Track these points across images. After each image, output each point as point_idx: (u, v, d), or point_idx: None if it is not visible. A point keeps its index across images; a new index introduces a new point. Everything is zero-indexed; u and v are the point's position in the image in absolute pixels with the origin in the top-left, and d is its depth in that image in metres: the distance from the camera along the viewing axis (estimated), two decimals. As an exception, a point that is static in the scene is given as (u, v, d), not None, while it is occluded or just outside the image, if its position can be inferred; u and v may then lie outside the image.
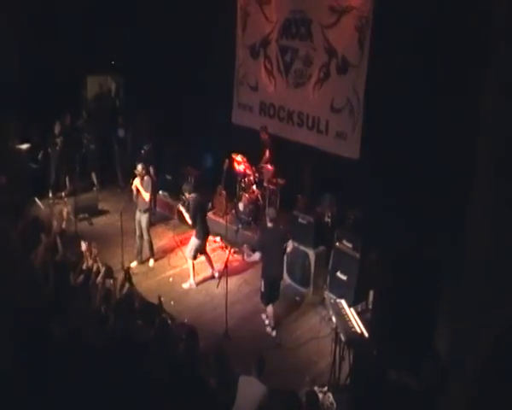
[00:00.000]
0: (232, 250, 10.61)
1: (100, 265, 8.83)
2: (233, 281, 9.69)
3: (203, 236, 9.97)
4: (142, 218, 10.57)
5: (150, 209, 10.86)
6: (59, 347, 6.76)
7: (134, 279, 8.69)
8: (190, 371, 6.75)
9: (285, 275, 9.93)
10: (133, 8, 13.88)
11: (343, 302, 7.79)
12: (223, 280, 8.97)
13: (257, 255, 8.84)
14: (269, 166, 11.65)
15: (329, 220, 10.38)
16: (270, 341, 8.45)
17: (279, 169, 11.54)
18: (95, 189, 13.76)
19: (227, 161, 11.83)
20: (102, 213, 12.71)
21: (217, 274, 10.04)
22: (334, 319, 7.59)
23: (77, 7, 13.62)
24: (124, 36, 13.84)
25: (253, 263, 10.46)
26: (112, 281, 8.75)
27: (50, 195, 13.27)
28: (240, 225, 11.48)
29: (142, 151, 12.32)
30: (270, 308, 8.80)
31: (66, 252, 9.04)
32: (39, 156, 13.63)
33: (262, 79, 12.49)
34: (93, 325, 7.31)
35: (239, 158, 11.89)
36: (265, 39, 12.23)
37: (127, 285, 8.37)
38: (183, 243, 11.10)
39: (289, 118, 11.97)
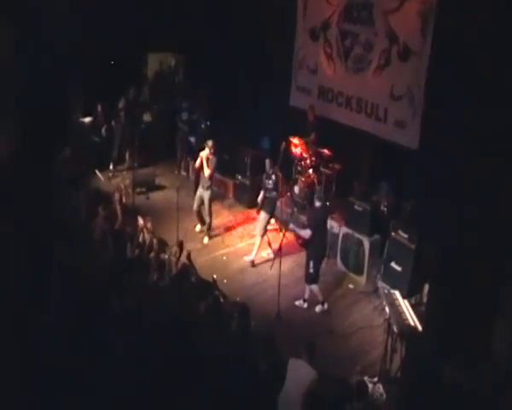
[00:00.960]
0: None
1: (155, 239, 9.03)
2: (286, 264, 9.66)
3: (272, 211, 10.14)
4: (205, 194, 10.75)
5: (211, 186, 10.97)
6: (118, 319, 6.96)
7: (188, 255, 8.81)
8: (240, 349, 6.83)
9: (338, 261, 9.90)
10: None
11: (397, 293, 7.70)
12: (276, 262, 8.98)
13: (308, 232, 8.85)
14: (326, 151, 11.55)
15: (385, 209, 10.23)
16: (321, 326, 8.43)
17: (336, 154, 11.40)
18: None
19: (284, 143, 11.76)
20: (159, 188, 12.88)
21: (271, 254, 10.11)
22: (387, 309, 7.51)
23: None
24: (185, 15, 13.90)
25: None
26: (167, 255, 8.95)
27: (111, 168, 13.55)
28: (295, 209, 11.45)
29: (203, 126, 12.40)
30: (315, 287, 8.81)
31: (125, 223, 9.26)
32: (102, 130, 13.96)
33: (321, 63, 12.33)
34: (149, 298, 7.47)
35: (296, 141, 11.80)
36: (326, 23, 12.06)
37: (183, 261, 8.53)
38: (239, 222, 11.23)
39: (348, 103, 11.80)
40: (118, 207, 9.37)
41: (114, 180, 12.85)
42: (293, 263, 10.08)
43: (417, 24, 10.11)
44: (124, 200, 10.25)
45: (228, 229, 11.34)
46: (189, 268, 8.35)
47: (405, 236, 9.15)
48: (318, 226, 8.84)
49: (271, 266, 9.31)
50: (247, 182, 12.29)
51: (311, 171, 11.63)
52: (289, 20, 12.73)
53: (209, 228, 10.97)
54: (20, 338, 6.53)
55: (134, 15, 13.59)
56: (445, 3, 9.54)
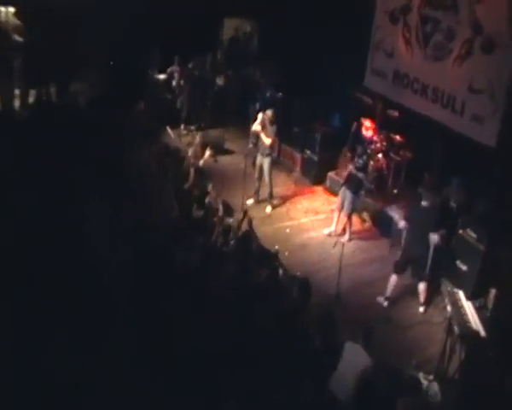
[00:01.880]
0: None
1: (221, 203, 9.07)
2: (349, 245, 9.59)
3: (357, 191, 10.08)
4: (264, 161, 10.74)
5: (271, 154, 10.91)
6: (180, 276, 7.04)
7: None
8: (297, 324, 6.82)
9: (401, 251, 9.73)
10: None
11: (461, 293, 7.49)
12: (340, 242, 8.91)
13: (403, 224, 8.69)
14: (398, 137, 11.33)
15: (455, 205, 9.96)
16: (380, 314, 8.29)
17: (408, 142, 11.18)
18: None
19: (355, 124, 11.61)
20: (228, 152, 12.89)
21: (345, 239, 10.02)
22: (449, 308, 7.32)
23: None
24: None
25: (371, 232, 10.48)
26: (231, 220, 8.99)
27: (182, 127, 13.62)
28: (362, 192, 11.30)
29: (269, 96, 12.31)
30: (393, 278, 8.65)
31: (194, 184, 9.33)
32: (175, 88, 14.04)
33: (399, 47, 11.94)
34: (211, 259, 7.52)
35: (368, 123, 11.63)
36: (407, 6, 11.61)
37: (245, 227, 8.54)
38: (304, 196, 11.21)
39: (423, 91, 11.39)
40: (191, 170, 9.43)
41: (184, 139, 12.95)
42: (356, 246, 9.97)
43: (505, 16, 9.57)
44: (197, 162, 10.32)
45: (293, 202, 11.28)
46: (251, 236, 8.37)
47: (474, 235, 8.88)
48: (416, 224, 8.53)
49: (334, 245, 9.23)
50: (316, 158, 12.16)
51: (380, 155, 11.43)
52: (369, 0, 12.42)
53: (271, 197, 10.96)
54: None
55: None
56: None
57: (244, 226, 8.68)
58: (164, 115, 13.24)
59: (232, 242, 8.16)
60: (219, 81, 14.42)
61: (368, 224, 10.69)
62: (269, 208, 10.88)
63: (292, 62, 13.54)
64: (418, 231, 8.45)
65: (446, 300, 7.57)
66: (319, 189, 11.79)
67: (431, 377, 7.06)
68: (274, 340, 6.47)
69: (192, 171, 9.44)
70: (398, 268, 8.61)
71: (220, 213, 8.84)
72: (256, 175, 10.89)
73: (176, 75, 14.10)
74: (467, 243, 8.95)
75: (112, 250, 7.12)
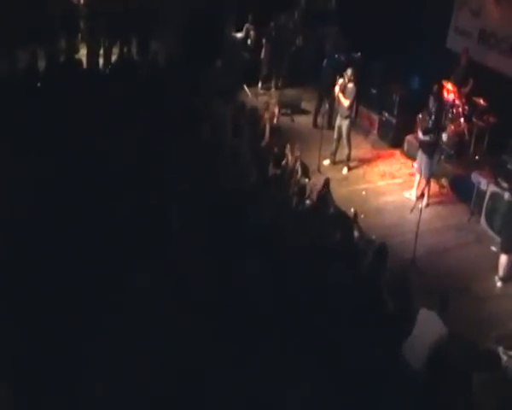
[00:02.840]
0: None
1: (298, 163, 9.04)
2: (426, 211, 9.34)
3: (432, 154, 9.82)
4: (343, 123, 10.65)
5: (350, 116, 10.80)
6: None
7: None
8: (372, 287, 6.77)
9: (482, 220, 9.41)
10: None
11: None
12: (417, 207, 8.73)
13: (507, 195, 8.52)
14: (481, 101, 10.86)
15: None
16: (458, 282, 8.08)
17: (492, 106, 10.68)
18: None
19: (436, 86, 11.21)
20: (304, 112, 12.79)
21: (413, 196, 9.84)
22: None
23: None
24: None
25: (449, 199, 10.18)
26: (306, 180, 8.96)
27: (259, 85, 13.59)
28: (442, 156, 10.97)
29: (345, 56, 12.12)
30: (503, 258, 8.28)
31: (270, 142, 9.34)
32: (252, 47, 13.99)
33: (486, 5, 11.39)
34: (286, 218, 7.54)
35: (449, 86, 11.22)
36: (497, -40, 11.07)
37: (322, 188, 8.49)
38: (381, 158, 11.04)
39: (512, 52, 10.93)
40: (267, 127, 9.44)
41: (261, 98, 12.93)
42: (434, 212, 9.72)
43: None
44: (274, 120, 10.32)
45: (370, 165, 11.12)
46: (327, 196, 8.31)
47: None
48: None
49: (411, 210, 9.03)
50: (394, 120, 11.88)
51: (462, 120, 11.03)
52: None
53: (348, 159, 10.86)
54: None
55: None
56: None
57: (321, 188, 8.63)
58: (241, 74, 13.26)
59: (308, 202, 8.13)
60: (297, 41, 14.22)
61: (447, 190, 10.38)
62: (345, 170, 10.79)
63: (371, 21, 13.18)
64: None
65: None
66: (396, 152, 11.55)
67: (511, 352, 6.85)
68: (347, 303, 6.46)
69: (267, 130, 9.42)
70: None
71: (298, 173, 8.83)
72: (335, 136, 10.82)
73: (252, 34, 14.04)
74: None
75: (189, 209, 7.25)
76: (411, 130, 11.63)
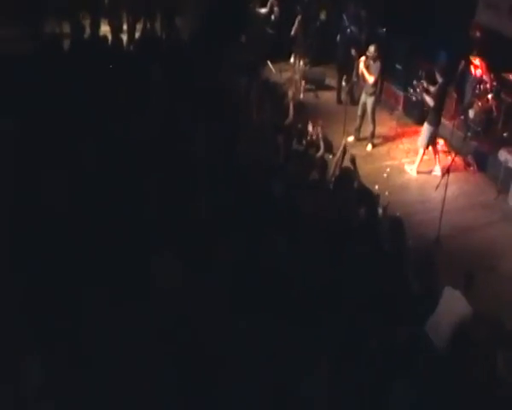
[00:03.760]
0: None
1: (322, 139, 8.98)
2: (451, 189, 9.11)
3: (437, 123, 9.77)
4: (368, 100, 10.60)
5: (375, 93, 10.71)
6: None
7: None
8: (395, 264, 6.72)
9: (510, 198, 9.26)
10: None
11: None
12: (442, 185, 8.60)
13: None
14: (511, 77, 10.62)
15: None
16: (483, 261, 7.94)
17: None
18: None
19: (463, 62, 11.01)
20: (329, 88, 12.73)
21: (438, 173, 9.74)
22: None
23: None
24: None
25: (476, 176, 10.06)
26: (330, 156, 8.89)
27: (292, 60, 13.45)
28: (468, 133, 10.80)
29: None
30: None
31: (294, 119, 9.29)
32: (276, 22, 13.85)
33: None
34: (309, 193, 7.49)
35: (477, 62, 11.00)
36: None
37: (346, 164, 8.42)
38: (406, 136, 10.93)
39: (544, 26, 10.62)
40: (291, 105, 9.38)
41: (285, 74, 12.85)
42: (459, 190, 9.61)
43: None
44: (299, 95, 10.27)
45: (394, 142, 11.04)
46: (351, 172, 8.24)
47: None
48: None
49: (436, 187, 8.93)
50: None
51: (490, 96, 10.80)
52: None
53: (373, 136, 10.82)
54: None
55: None
56: None
57: (345, 163, 8.56)
58: (265, 50, 13.16)
59: (333, 178, 8.08)
60: (322, 16, 14.03)
61: (473, 168, 10.23)
62: (369, 147, 10.76)
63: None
64: None
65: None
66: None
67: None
68: (369, 280, 6.42)
69: (291, 106, 9.36)
70: None
71: (321, 149, 8.77)
72: (359, 113, 10.78)
73: (276, 9, 13.90)
74: None
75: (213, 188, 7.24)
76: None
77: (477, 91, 10.99)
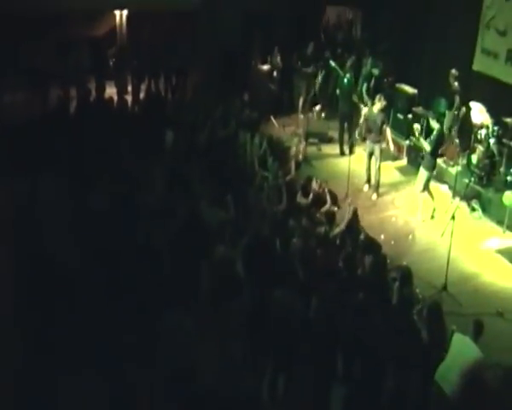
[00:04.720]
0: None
1: (327, 192, 9.06)
2: (459, 234, 9.11)
3: (432, 168, 9.90)
4: (375, 148, 10.72)
5: (381, 141, 10.85)
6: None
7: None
8: (403, 315, 6.70)
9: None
10: None
11: None
12: (448, 231, 8.61)
13: None
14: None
15: None
16: (491, 307, 7.95)
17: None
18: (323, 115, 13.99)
19: (464, 109, 11.16)
20: (331, 140, 12.86)
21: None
22: None
23: None
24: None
25: (481, 221, 10.07)
26: (335, 208, 8.95)
27: (286, 117, 13.74)
28: (471, 179, 10.87)
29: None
30: None
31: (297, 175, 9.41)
32: (278, 79, 14.19)
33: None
34: (316, 245, 7.52)
35: (478, 108, 11.14)
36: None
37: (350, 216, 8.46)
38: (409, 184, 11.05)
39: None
40: (292, 162, 9.52)
41: (288, 128, 13.04)
42: (465, 235, 9.57)
43: None
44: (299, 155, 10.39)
45: (398, 190, 11.11)
46: (356, 224, 8.30)
47: None
48: None
49: (442, 234, 8.95)
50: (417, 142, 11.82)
51: (492, 141, 10.92)
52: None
53: (378, 185, 10.86)
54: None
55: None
56: None
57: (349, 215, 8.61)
58: (268, 106, 13.41)
59: (337, 230, 8.12)
60: (320, 70, 14.35)
61: (478, 213, 10.26)
62: (374, 196, 10.81)
63: (395, 48, 13.29)
64: None
65: None
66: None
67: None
68: (379, 331, 6.40)
69: (293, 163, 9.50)
70: None
71: (328, 202, 8.84)
72: (367, 163, 10.89)
73: (278, 65, 14.23)
74: None
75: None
76: (440, 154, 11.62)
77: (478, 137, 11.13)
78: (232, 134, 10.63)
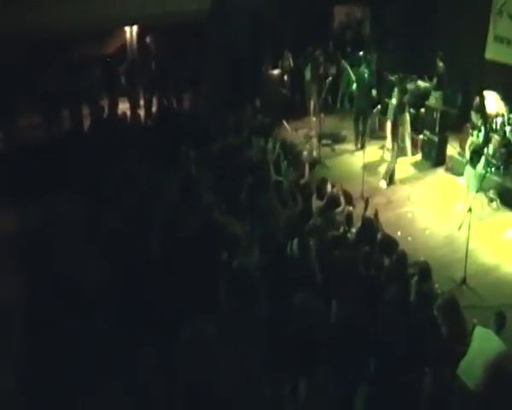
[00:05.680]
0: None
1: (341, 193, 9.05)
2: (476, 226, 9.04)
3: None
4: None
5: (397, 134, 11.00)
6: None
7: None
8: (422, 312, 6.67)
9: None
10: None
11: None
12: (465, 224, 8.55)
13: None
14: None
15: None
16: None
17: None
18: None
19: (477, 98, 11.09)
20: (344, 140, 12.89)
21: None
22: None
23: None
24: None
25: (499, 212, 10.01)
26: (351, 207, 8.93)
27: (298, 120, 13.79)
28: (488, 168, 10.78)
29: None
30: None
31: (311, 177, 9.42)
32: (289, 83, 14.22)
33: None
34: (334, 248, 7.51)
35: (491, 96, 11.06)
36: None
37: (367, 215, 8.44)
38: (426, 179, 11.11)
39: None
40: (306, 166, 9.54)
41: (301, 131, 13.07)
42: (483, 227, 9.52)
43: None
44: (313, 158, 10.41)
45: (414, 185, 11.06)
46: (373, 223, 8.26)
47: None
48: None
49: (459, 227, 8.91)
50: (436, 139, 11.78)
51: (508, 130, 10.82)
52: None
53: (392, 176, 10.99)
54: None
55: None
56: None
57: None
58: (280, 110, 13.46)
59: (354, 230, 8.10)
60: (332, 69, 14.37)
61: (496, 203, 10.18)
62: (383, 183, 10.96)
63: (406, 43, 13.25)
64: None
65: None
66: (441, 170, 11.42)
67: None
68: (399, 330, 6.39)
69: (307, 166, 9.52)
70: None
71: (342, 203, 8.83)
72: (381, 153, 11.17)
73: (289, 69, 14.27)
74: None
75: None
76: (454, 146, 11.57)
77: (494, 126, 11.05)
78: (245, 141, 10.67)
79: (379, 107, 12.83)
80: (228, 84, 13.84)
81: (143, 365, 6.19)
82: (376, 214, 8.26)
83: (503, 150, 10.72)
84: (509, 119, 10.83)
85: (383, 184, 10.92)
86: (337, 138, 12.82)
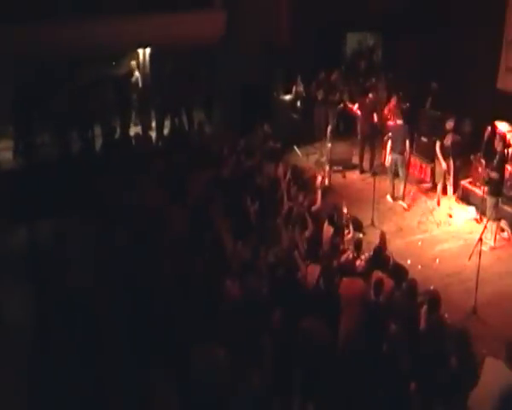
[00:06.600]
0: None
1: (350, 220, 9.06)
2: (486, 257, 9.07)
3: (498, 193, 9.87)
4: (399, 158, 11.08)
5: (405, 151, 11.22)
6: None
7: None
8: (431, 341, 6.62)
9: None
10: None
11: None
12: (476, 253, 8.55)
13: None
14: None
15: None
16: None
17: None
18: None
19: (489, 128, 11.10)
20: (356, 167, 12.90)
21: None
22: None
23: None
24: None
25: (510, 242, 9.97)
26: (361, 235, 8.93)
27: (309, 145, 13.77)
28: (500, 198, 10.74)
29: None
30: None
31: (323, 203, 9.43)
32: (300, 108, 14.31)
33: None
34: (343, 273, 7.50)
35: (503, 126, 11.05)
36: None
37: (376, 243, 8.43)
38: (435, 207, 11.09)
39: None
40: (318, 193, 9.55)
41: (312, 157, 13.10)
42: (494, 257, 9.53)
43: None
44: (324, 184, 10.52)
45: (424, 214, 10.99)
46: (382, 250, 8.25)
47: None
48: None
49: (469, 256, 8.86)
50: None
51: (520, 160, 10.80)
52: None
53: (404, 194, 11.21)
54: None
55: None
56: None
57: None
58: (291, 135, 13.51)
59: (363, 257, 8.09)
60: (344, 96, 14.43)
61: (507, 233, 10.13)
62: (390, 201, 11.22)
63: (417, 72, 13.32)
64: None
65: None
66: (451, 199, 11.37)
67: None
68: (408, 358, 6.35)
69: (319, 192, 9.53)
70: None
71: (351, 231, 8.82)
72: (390, 173, 11.26)
73: (301, 94, 14.35)
74: None
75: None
76: (466, 175, 11.54)
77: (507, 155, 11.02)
78: (256, 166, 10.70)
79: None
80: (239, 108, 13.94)
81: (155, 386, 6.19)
82: (385, 242, 8.26)
83: (514, 181, 10.68)
84: (521, 149, 10.79)
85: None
86: (348, 165, 12.82)
